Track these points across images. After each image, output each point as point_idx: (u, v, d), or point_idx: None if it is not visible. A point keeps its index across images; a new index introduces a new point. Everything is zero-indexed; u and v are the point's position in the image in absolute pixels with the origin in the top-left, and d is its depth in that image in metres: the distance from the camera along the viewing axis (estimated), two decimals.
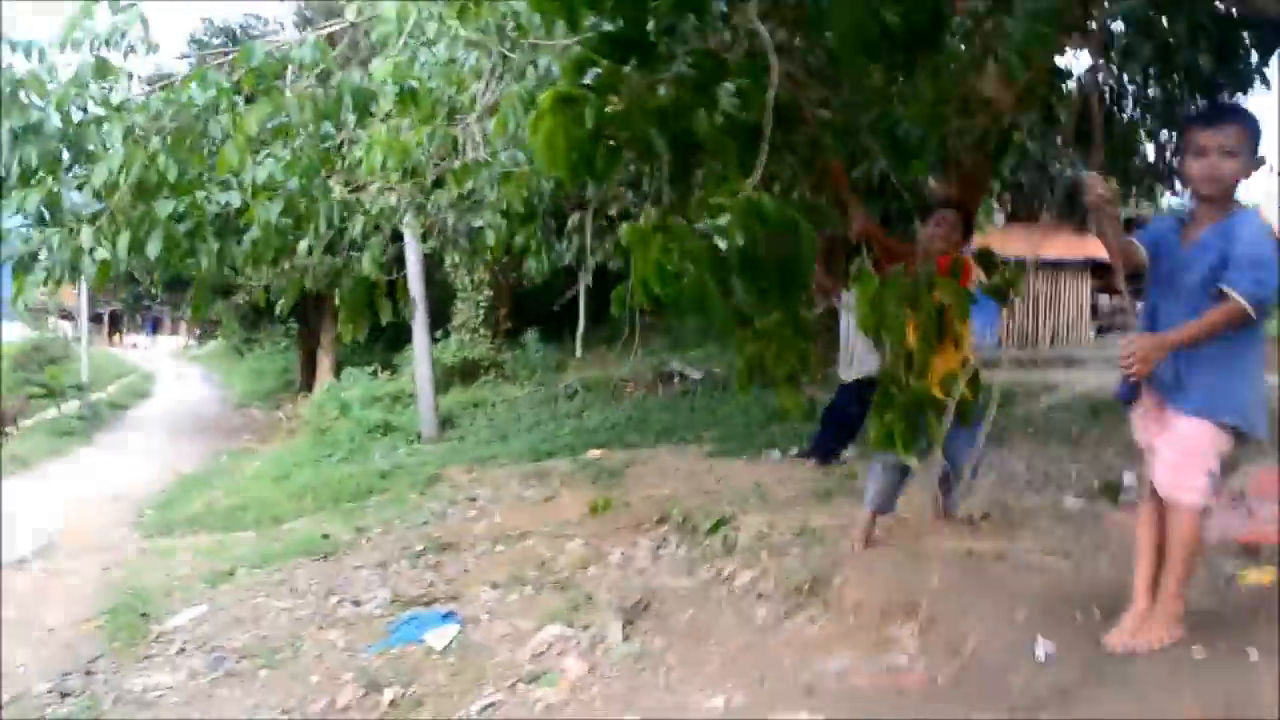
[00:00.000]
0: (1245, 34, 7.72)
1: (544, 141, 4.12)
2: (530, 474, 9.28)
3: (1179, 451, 3.01)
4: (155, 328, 59.68)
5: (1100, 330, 19.44)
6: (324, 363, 18.99)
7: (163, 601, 7.82)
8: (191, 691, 5.39)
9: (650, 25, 4.07)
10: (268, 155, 5.38)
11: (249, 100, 4.96)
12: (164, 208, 5.10)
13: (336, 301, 6.30)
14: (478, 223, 7.92)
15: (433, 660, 4.91)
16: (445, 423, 13.40)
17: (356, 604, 6.41)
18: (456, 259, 16.59)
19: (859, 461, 7.49)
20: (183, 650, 6.45)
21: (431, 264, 17.00)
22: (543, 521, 7.32)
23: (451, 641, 5.01)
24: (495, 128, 5.09)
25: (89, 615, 7.73)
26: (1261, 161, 3.10)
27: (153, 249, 5.10)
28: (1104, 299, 19.80)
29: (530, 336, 16.81)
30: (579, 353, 17.90)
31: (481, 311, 17.28)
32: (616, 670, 4.15)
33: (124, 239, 5.02)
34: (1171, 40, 8.11)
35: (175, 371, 37.64)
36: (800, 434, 9.34)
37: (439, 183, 6.48)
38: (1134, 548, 3.25)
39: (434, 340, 15.07)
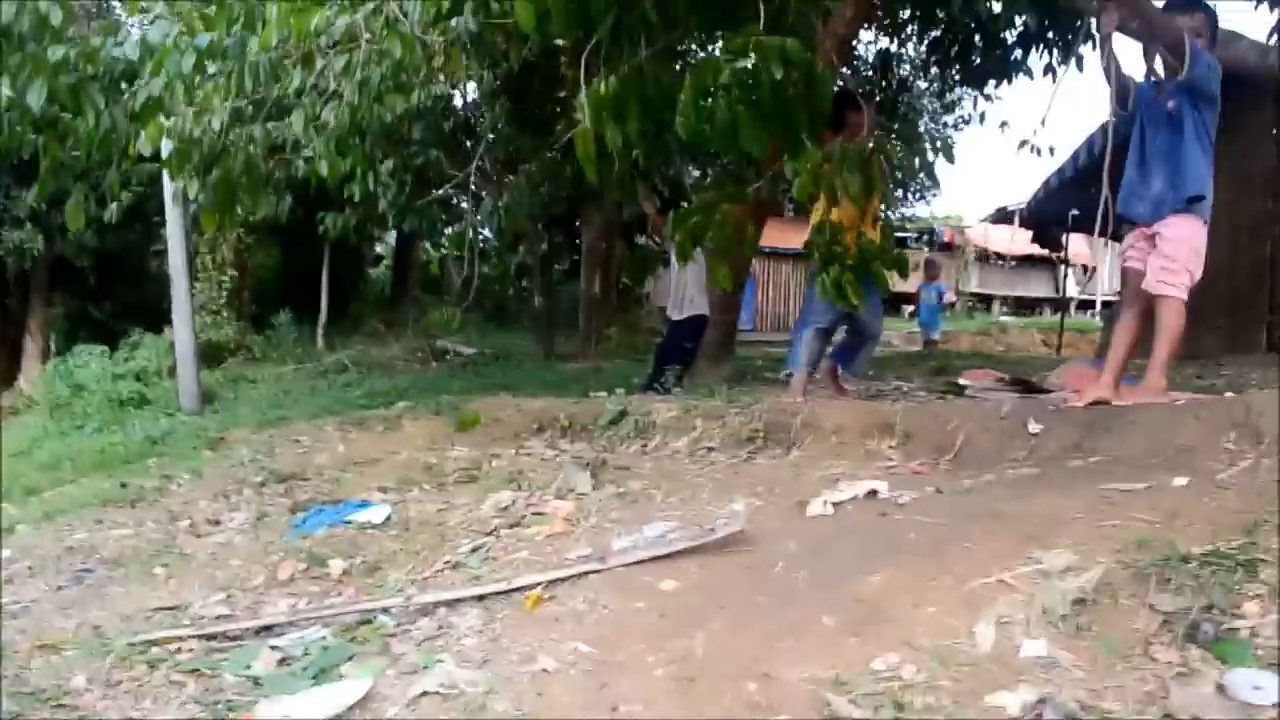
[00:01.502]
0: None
1: None
2: (345, 422, 8.86)
3: (1166, 257, 3.91)
4: None
5: None
6: (30, 350, 17.06)
7: None
8: (68, 599, 4.81)
9: None
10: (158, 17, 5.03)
11: None
12: (54, 53, 4.65)
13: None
14: (307, 153, 7.63)
15: (371, 535, 4.70)
16: (205, 398, 12.48)
17: (216, 523, 5.94)
18: (201, 234, 15.61)
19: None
20: (9, 581, 5.70)
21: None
22: (397, 447, 7.09)
23: (389, 517, 4.82)
24: (429, 1, 5.03)
25: None
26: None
27: (34, 98, 4.63)
28: None
29: (284, 317, 16.03)
30: (319, 343, 17.31)
31: (225, 293, 16.29)
32: (606, 505, 4.21)
33: (4, 84, 4.54)
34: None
35: None
36: (606, 386, 9.59)
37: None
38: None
39: (171, 323, 14.04)
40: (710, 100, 4.09)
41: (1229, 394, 3.58)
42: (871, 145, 4.73)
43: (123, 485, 7.92)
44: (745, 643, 2.52)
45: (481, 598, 3.41)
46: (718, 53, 4.17)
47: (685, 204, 7.06)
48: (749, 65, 3.90)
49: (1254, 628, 2.12)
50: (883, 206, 5.26)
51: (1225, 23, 5.44)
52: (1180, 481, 2.90)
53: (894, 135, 11.94)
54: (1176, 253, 3.93)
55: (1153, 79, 4.19)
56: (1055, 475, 3.28)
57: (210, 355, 15.21)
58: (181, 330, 12.31)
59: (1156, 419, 3.38)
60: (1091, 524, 2.71)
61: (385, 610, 3.55)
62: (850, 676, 2.23)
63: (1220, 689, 1.99)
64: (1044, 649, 2.19)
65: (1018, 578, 2.47)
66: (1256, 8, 7.36)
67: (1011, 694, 2.08)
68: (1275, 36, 7.57)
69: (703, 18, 4.54)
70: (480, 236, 12.12)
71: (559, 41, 4.91)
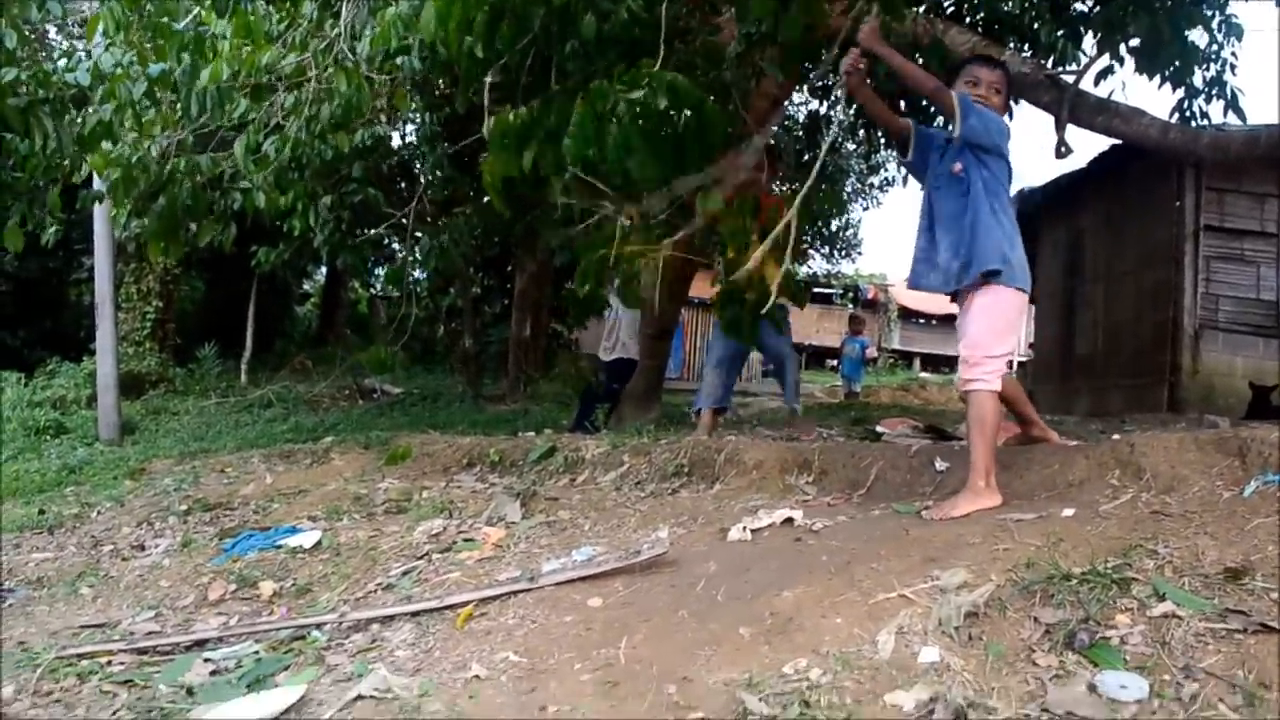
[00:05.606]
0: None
1: (441, 7, 4.38)
2: (271, 455, 8.87)
3: (966, 347, 3.69)
4: None
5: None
6: None
7: None
8: None
9: None
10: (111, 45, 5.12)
11: None
12: (6, 75, 4.74)
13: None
14: (245, 184, 7.71)
15: (301, 559, 4.77)
16: (125, 429, 12.31)
17: (141, 548, 5.94)
18: (127, 264, 15.46)
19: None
20: None
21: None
22: (325, 479, 7.13)
23: (320, 542, 4.90)
24: (377, 39, 5.21)
25: None
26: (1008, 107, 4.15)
27: None
28: None
29: (208, 350, 15.86)
30: (244, 377, 17.13)
31: (149, 324, 16.07)
32: (535, 533, 4.36)
33: None
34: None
35: None
36: (535, 426, 9.74)
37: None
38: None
39: (90, 352, 13.87)
40: (601, 124, 4.22)
41: (1115, 436, 3.88)
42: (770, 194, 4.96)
43: (40, 512, 7.83)
44: (666, 651, 2.69)
45: (415, 614, 3.53)
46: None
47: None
48: (640, 95, 4.09)
49: (1124, 636, 2.36)
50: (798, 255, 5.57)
51: (1133, 100, 5.80)
52: (1068, 512, 3.16)
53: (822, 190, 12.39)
54: (976, 338, 3.62)
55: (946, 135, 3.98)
56: None
57: (131, 386, 14.96)
58: (104, 359, 12.17)
59: (1051, 458, 3.66)
60: (987, 548, 2.95)
61: (318, 626, 3.65)
62: (762, 679, 2.41)
63: (1092, 688, 2.21)
64: (938, 655, 2.40)
65: (917, 593, 2.69)
66: (1160, 87, 7.88)
67: (907, 694, 2.28)
68: (1176, 114, 8.08)
69: (615, 57, 4.72)
70: (411, 277, 12.22)
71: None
